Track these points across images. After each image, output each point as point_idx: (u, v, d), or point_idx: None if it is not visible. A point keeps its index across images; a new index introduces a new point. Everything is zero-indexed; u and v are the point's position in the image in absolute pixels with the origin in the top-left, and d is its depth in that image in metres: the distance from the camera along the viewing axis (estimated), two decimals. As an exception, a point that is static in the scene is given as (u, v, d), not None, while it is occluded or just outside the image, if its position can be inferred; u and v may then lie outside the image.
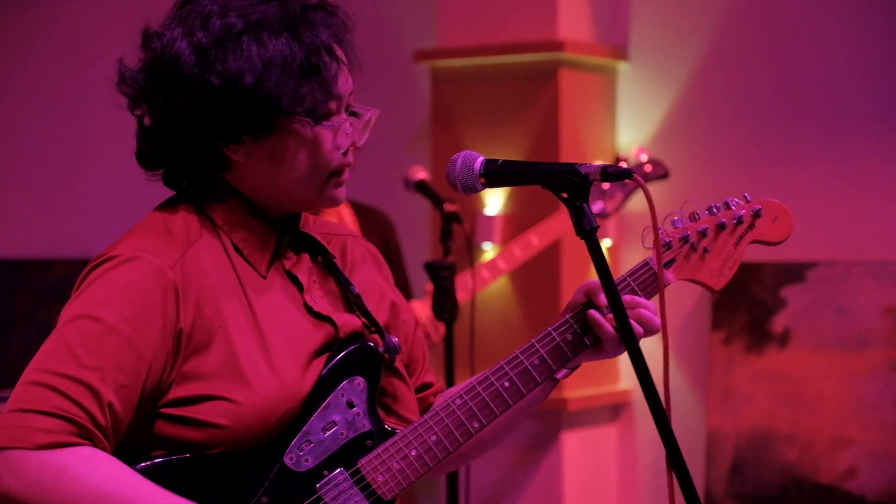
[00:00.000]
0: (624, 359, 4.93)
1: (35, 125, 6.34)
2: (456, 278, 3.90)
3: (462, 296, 3.96)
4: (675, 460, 2.10)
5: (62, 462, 2.03)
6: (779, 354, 4.74)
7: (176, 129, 2.20)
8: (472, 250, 4.02)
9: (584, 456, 4.91)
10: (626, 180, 3.81)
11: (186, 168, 2.26)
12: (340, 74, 2.23)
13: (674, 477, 2.11)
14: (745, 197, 2.35)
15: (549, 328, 2.28)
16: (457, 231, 3.94)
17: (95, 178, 6.15)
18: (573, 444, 4.87)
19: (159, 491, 2.09)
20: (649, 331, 2.25)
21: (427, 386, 2.46)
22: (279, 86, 2.16)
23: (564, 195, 2.17)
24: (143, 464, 2.13)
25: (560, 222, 4.38)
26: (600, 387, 4.96)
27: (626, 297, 2.25)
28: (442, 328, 4.06)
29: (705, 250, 2.32)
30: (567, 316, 2.28)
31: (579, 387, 4.84)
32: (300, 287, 2.28)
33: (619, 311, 2.14)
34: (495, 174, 2.25)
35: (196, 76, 2.17)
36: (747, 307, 4.80)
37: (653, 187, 4.34)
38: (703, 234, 2.32)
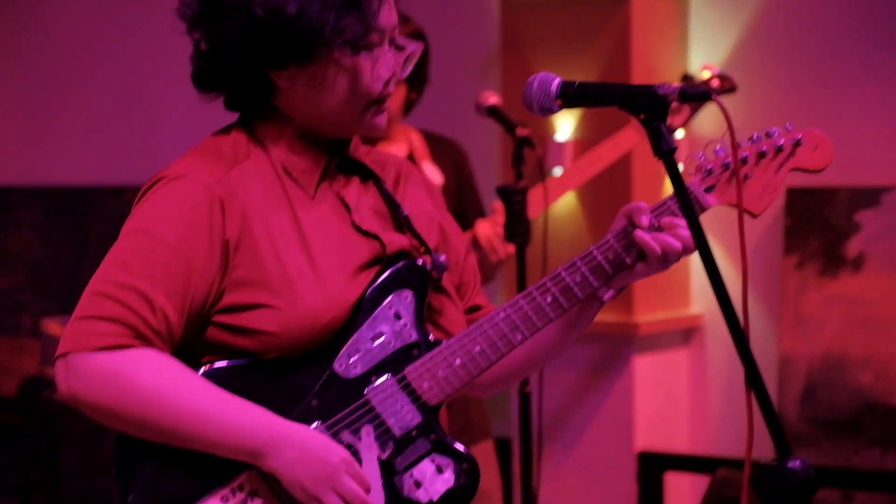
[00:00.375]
0: (696, 283, 4.97)
1: (104, 52, 6.37)
2: (527, 196, 3.89)
3: (532, 211, 3.95)
4: (753, 380, 2.10)
5: (119, 362, 2.17)
6: (853, 279, 4.71)
7: (225, 54, 2.31)
8: (543, 175, 4.00)
9: (655, 380, 4.91)
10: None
11: (237, 92, 2.38)
12: (383, 8, 2.30)
13: (752, 396, 2.11)
14: (787, 127, 2.40)
15: (592, 247, 2.34)
16: (528, 156, 3.93)
17: (165, 106, 6.17)
18: (644, 369, 4.87)
19: (213, 387, 2.22)
20: (687, 249, 2.31)
21: (477, 308, 2.54)
22: (320, 18, 2.24)
23: (641, 116, 2.21)
24: (201, 369, 2.26)
25: (628, 137, 4.34)
26: (672, 311, 4.95)
27: (666, 219, 2.32)
28: (510, 245, 4.06)
29: (746, 177, 2.37)
30: (609, 237, 2.34)
31: (651, 311, 4.84)
32: (348, 208, 2.37)
33: (697, 232, 2.16)
34: (572, 96, 2.28)
35: (241, 4, 2.27)
36: (821, 232, 4.77)
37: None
38: (743, 161, 2.37)
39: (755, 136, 2.39)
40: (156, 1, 6.01)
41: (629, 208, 2.34)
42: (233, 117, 2.45)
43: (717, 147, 2.37)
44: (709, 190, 2.36)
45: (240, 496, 2.25)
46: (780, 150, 2.38)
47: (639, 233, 2.30)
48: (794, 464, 2.04)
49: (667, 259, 2.32)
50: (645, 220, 2.31)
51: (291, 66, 2.29)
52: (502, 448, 4.71)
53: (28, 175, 6.56)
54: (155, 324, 2.20)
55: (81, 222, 6.32)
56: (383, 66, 2.32)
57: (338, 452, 2.23)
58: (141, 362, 2.18)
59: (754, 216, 2.38)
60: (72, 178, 6.43)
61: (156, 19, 6.05)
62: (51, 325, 5.64)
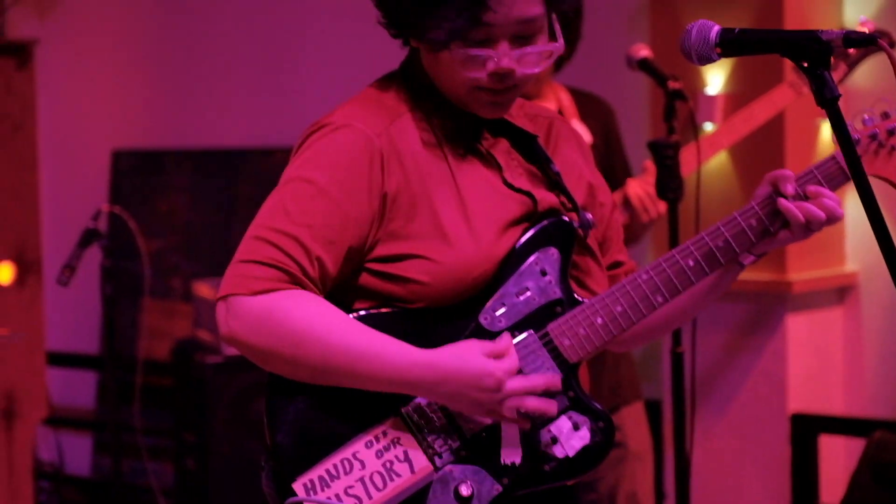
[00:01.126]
0: (850, 241, 4.85)
1: (254, 15, 6.40)
2: (679, 151, 3.83)
3: (684, 170, 3.89)
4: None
5: (273, 302, 2.24)
6: None
7: (377, 7, 2.39)
8: (695, 129, 3.93)
9: (809, 339, 4.82)
10: (851, 52, 3.70)
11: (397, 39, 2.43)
12: (487, 10, 2.25)
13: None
14: None
15: (735, 213, 2.37)
16: (680, 109, 3.86)
17: (313, 66, 6.19)
18: (798, 328, 4.78)
19: (362, 325, 2.28)
20: (831, 219, 2.34)
21: (618, 264, 2.58)
22: (411, 8, 2.29)
23: (804, 63, 2.17)
24: (351, 314, 2.32)
25: (783, 94, 4.25)
26: (826, 269, 4.85)
27: (811, 188, 2.34)
28: (661, 205, 4.00)
29: (893, 148, 2.38)
30: (753, 203, 2.36)
31: (804, 269, 4.75)
32: (498, 166, 2.41)
33: (860, 180, 2.10)
34: (732, 43, 2.25)
35: None
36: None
37: (876, 63, 4.19)
38: (891, 132, 2.38)
39: None
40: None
41: (774, 175, 2.36)
42: (373, 75, 2.48)
43: (866, 117, 2.38)
44: None
45: (383, 442, 2.31)
46: None
47: (783, 201, 2.33)
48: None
49: (810, 228, 2.34)
50: (790, 188, 2.34)
51: (411, 34, 2.36)
52: (653, 410, 4.66)
53: (178, 138, 6.63)
54: (311, 271, 2.26)
55: (230, 184, 6.37)
56: (490, 60, 2.29)
57: (492, 374, 2.25)
58: (293, 302, 2.24)
59: None
60: (221, 140, 6.49)
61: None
62: (201, 288, 5.68)
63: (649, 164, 4.01)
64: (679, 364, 3.87)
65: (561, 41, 2.34)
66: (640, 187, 4.01)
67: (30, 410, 6.19)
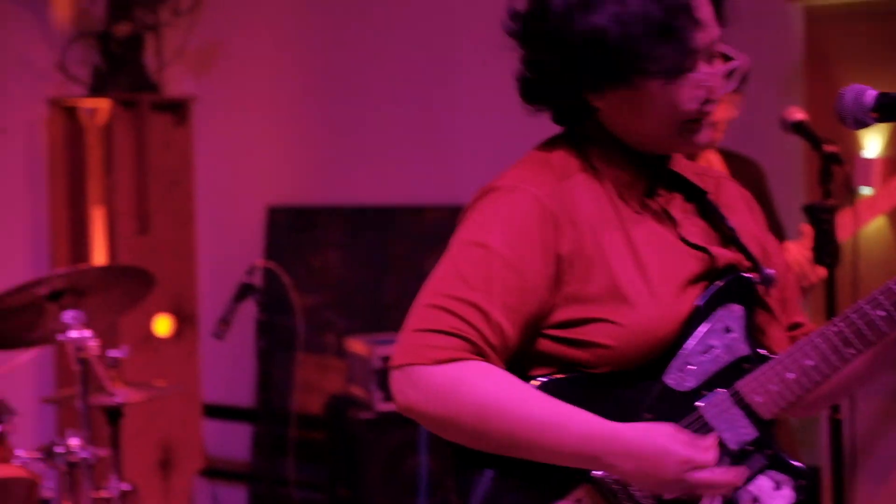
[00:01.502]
0: None
1: (406, 75, 6.46)
2: (835, 218, 3.78)
3: (841, 234, 3.83)
4: None
5: (457, 374, 2.21)
6: None
7: (544, 76, 2.33)
8: (851, 193, 3.88)
9: (972, 407, 4.71)
10: None
11: (560, 109, 2.38)
12: (700, 30, 2.26)
13: None
14: None
15: None
16: (836, 173, 3.81)
17: (466, 126, 6.22)
18: (961, 395, 4.68)
19: (547, 397, 2.24)
20: None
21: (797, 326, 2.52)
22: (636, 49, 2.23)
23: None
24: (531, 382, 2.29)
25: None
26: None
27: None
28: (820, 270, 3.95)
29: None
30: None
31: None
32: (674, 222, 2.37)
33: None
34: (889, 108, 2.25)
35: (561, 33, 2.27)
36: None
37: None
38: None
39: None
40: (459, 25, 6.11)
41: None
42: (526, 135, 2.48)
43: None
44: None
45: None
46: None
47: None
48: None
49: None
50: None
51: (606, 90, 2.30)
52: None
53: (331, 195, 6.70)
54: (491, 338, 2.23)
55: (383, 241, 6.41)
56: (699, 87, 2.28)
57: (675, 455, 2.20)
58: (478, 375, 2.21)
59: None
60: (373, 197, 6.55)
61: (459, 43, 6.13)
62: (354, 345, 5.73)
63: (807, 228, 3.97)
64: (837, 431, 3.80)
65: (742, 56, 2.33)
66: (799, 251, 3.97)
67: (186, 461, 6.30)
